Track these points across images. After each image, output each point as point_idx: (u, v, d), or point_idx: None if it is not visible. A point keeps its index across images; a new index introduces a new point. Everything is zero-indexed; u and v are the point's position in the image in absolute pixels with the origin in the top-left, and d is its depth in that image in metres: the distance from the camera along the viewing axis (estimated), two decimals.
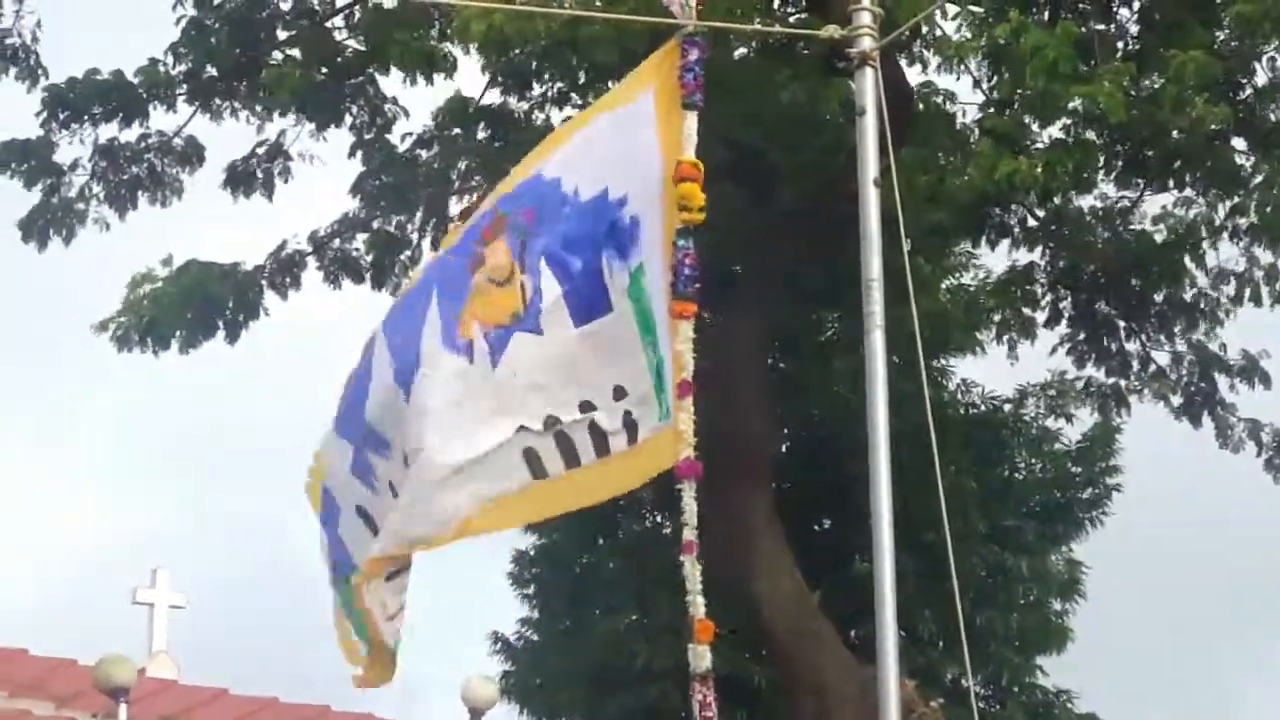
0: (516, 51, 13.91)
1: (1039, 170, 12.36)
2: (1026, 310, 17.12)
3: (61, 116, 16.14)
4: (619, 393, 6.62)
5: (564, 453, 6.64)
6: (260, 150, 16.90)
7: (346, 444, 7.12)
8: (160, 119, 16.46)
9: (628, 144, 6.73)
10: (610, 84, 16.50)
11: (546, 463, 6.64)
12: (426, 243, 17.20)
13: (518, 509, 6.80)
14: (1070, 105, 12.61)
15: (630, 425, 6.60)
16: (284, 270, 16.95)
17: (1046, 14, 12.70)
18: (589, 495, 6.78)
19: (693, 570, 6.37)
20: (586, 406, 6.63)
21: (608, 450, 6.61)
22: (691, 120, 6.60)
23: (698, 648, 6.33)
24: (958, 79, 14.19)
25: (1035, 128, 13.26)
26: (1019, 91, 12.57)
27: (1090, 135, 13.57)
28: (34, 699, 15.52)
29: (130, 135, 16.49)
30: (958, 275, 18.86)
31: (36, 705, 15.37)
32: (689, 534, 6.39)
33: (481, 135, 16.61)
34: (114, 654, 14.34)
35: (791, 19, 13.91)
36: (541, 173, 6.87)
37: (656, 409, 6.55)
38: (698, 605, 6.36)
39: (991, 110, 13.09)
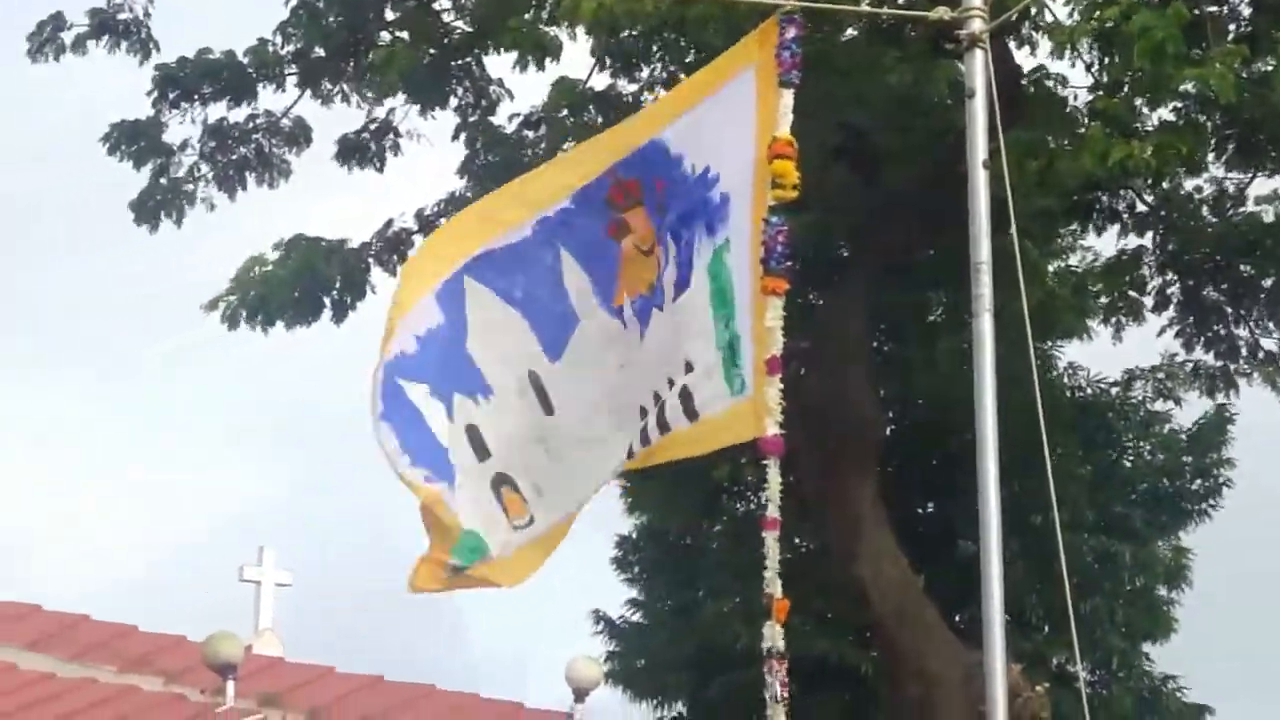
0: (625, 33, 13.87)
1: (1149, 154, 12.21)
2: (1134, 294, 16.97)
3: (171, 96, 16.26)
4: (687, 367, 6.75)
5: (659, 421, 6.87)
6: (371, 126, 17.00)
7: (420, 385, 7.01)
8: (269, 99, 16.60)
9: (726, 121, 6.79)
10: None
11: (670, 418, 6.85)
12: None
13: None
14: (1181, 88, 12.47)
15: (686, 398, 6.69)
16: (390, 248, 17.03)
17: None
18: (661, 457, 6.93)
19: (773, 547, 6.42)
20: (672, 383, 6.79)
21: (668, 426, 6.78)
22: (787, 97, 6.63)
23: (773, 627, 6.35)
24: (1072, 65, 14.05)
25: (1146, 110, 13.11)
26: (1129, 74, 12.43)
27: (1201, 118, 13.42)
28: (142, 675, 15.72)
29: (239, 115, 16.63)
30: (1065, 258, 18.71)
31: (145, 681, 15.56)
32: (771, 511, 6.44)
33: (588, 117, 16.61)
34: (222, 631, 14.50)
35: (900, 0, 13.80)
36: (666, 144, 6.91)
37: (726, 384, 6.58)
38: (774, 583, 6.41)
39: (1101, 93, 12.95)
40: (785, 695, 6.30)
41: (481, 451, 6.93)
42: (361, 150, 16.95)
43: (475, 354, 6.98)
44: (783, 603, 6.36)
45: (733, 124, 6.73)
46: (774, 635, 6.35)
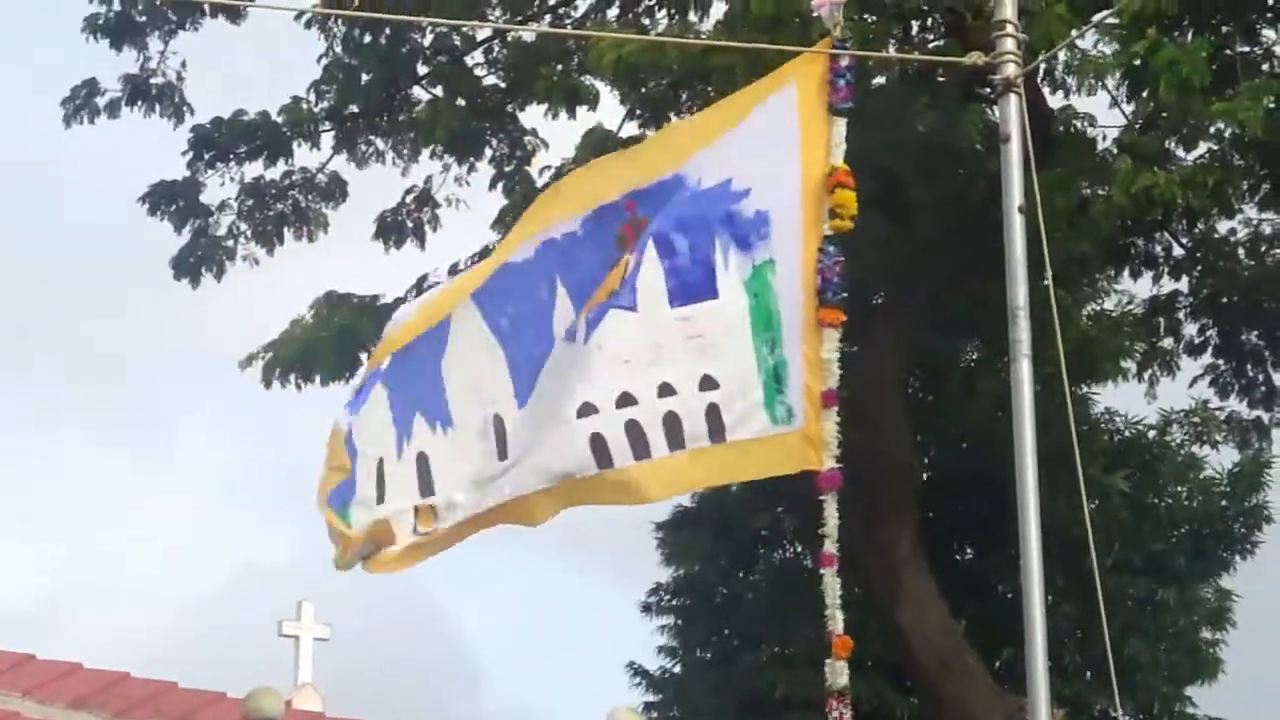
0: (651, 83, 13.94)
1: (1176, 186, 12.17)
2: (1169, 342, 16.92)
3: (207, 156, 16.38)
4: (706, 383, 6.58)
5: (633, 443, 6.56)
6: (409, 199, 17.07)
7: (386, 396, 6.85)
8: (304, 156, 16.71)
9: (759, 140, 6.72)
10: None
11: (614, 452, 6.54)
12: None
13: (581, 493, 6.66)
14: (1212, 127, 12.44)
15: (714, 419, 6.55)
16: None
17: (1189, 35, 12.53)
18: (664, 488, 6.70)
19: (831, 584, 6.37)
20: (665, 390, 6.58)
21: (683, 444, 6.54)
22: (840, 126, 6.63)
23: (835, 664, 6.31)
24: (1109, 104, 14.03)
25: (1181, 151, 13.10)
26: (1161, 114, 12.43)
27: (1234, 158, 13.38)
28: None
29: (275, 173, 16.73)
30: (1099, 302, 18.68)
31: None
32: (829, 546, 6.39)
33: None
34: (262, 686, 14.48)
35: (929, 46, 13.85)
36: (685, 177, 6.79)
37: (767, 409, 6.51)
38: (836, 620, 6.35)
39: (1134, 129, 12.95)
40: None
41: (425, 487, 6.72)
42: (399, 228, 17.02)
43: (447, 379, 6.77)
44: (844, 640, 6.33)
45: (773, 142, 6.66)
46: (836, 673, 6.32)
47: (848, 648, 6.32)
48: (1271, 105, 12.16)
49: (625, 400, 6.55)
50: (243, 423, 38.66)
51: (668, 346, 6.58)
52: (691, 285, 6.63)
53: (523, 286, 6.81)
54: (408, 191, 17.04)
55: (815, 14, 6.80)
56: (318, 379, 16.26)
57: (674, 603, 20.01)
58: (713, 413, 6.53)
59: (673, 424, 6.55)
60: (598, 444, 6.53)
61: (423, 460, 6.72)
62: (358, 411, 6.78)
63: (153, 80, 16.34)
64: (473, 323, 6.81)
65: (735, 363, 6.55)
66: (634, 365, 6.58)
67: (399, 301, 16.87)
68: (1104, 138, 14.76)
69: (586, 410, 6.56)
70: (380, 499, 6.70)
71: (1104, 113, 14.76)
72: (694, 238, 6.66)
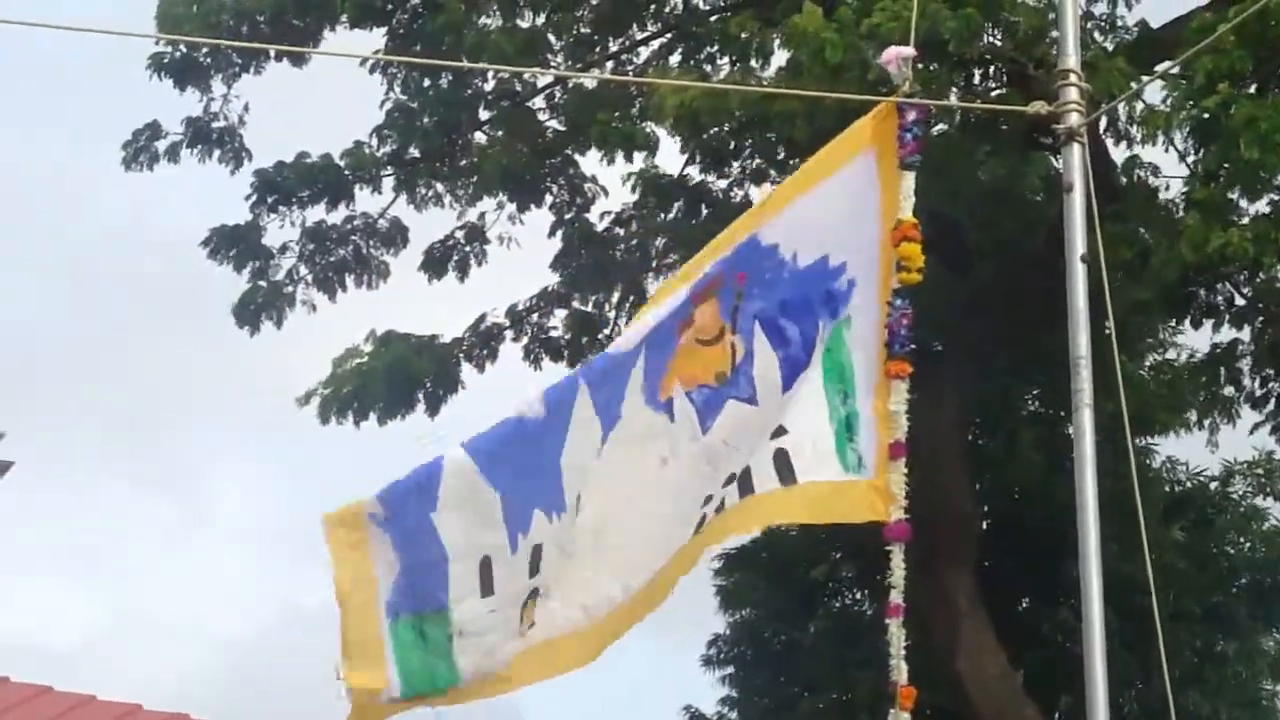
0: (713, 130, 13.97)
1: (1249, 242, 12.13)
2: (1230, 390, 16.81)
3: (270, 200, 16.45)
4: (777, 431, 6.59)
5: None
6: (459, 233, 17.12)
7: (493, 490, 6.38)
8: (365, 200, 16.78)
9: (848, 209, 6.71)
10: (804, 160, 16.60)
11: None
12: (623, 321, 17.34)
13: (679, 565, 6.54)
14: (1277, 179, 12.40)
15: (782, 462, 6.55)
16: (482, 343, 17.14)
17: (1254, 86, 12.50)
18: (735, 529, 6.65)
19: (897, 634, 6.34)
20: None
21: (752, 489, 6.53)
22: (909, 180, 6.63)
23: (899, 714, 6.29)
24: (1166, 151, 14.00)
25: (1243, 202, 13.06)
26: (1224, 166, 12.39)
27: None
28: None
29: (336, 218, 16.80)
30: (1161, 353, 18.59)
31: None
32: (895, 597, 6.37)
33: (679, 213, 16.70)
34: None
35: (992, 94, 13.85)
36: (758, 237, 6.73)
37: (839, 456, 6.51)
38: (901, 670, 6.32)
39: (1198, 184, 12.92)
40: None
41: (534, 569, 6.42)
42: (444, 259, 17.07)
43: (565, 465, 6.45)
44: (908, 690, 6.31)
45: (857, 210, 6.66)
46: None
47: (911, 698, 6.30)
48: None
49: (729, 479, 6.56)
50: (280, 469, 38.99)
51: (773, 419, 6.61)
52: (800, 366, 6.67)
53: (619, 373, 6.59)
54: (460, 227, 17.10)
55: (885, 67, 6.79)
56: (374, 416, 16.32)
57: (733, 652, 19.95)
58: (780, 457, 6.54)
59: (745, 475, 6.56)
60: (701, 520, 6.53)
61: (537, 550, 6.43)
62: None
63: (214, 125, 16.42)
64: (588, 410, 6.52)
65: (806, 413, 6.57)
66: (742, 449, 6.59)
67: (456, 341, 16.95)
68: (1166, 187, 14.74)
69: (707, 501, 6.53)
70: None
71: (1165, 163, 14.77)
72: (801, 323, 6.70)
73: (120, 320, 39.03)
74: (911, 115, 6.69)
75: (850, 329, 6.61)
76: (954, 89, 13.03)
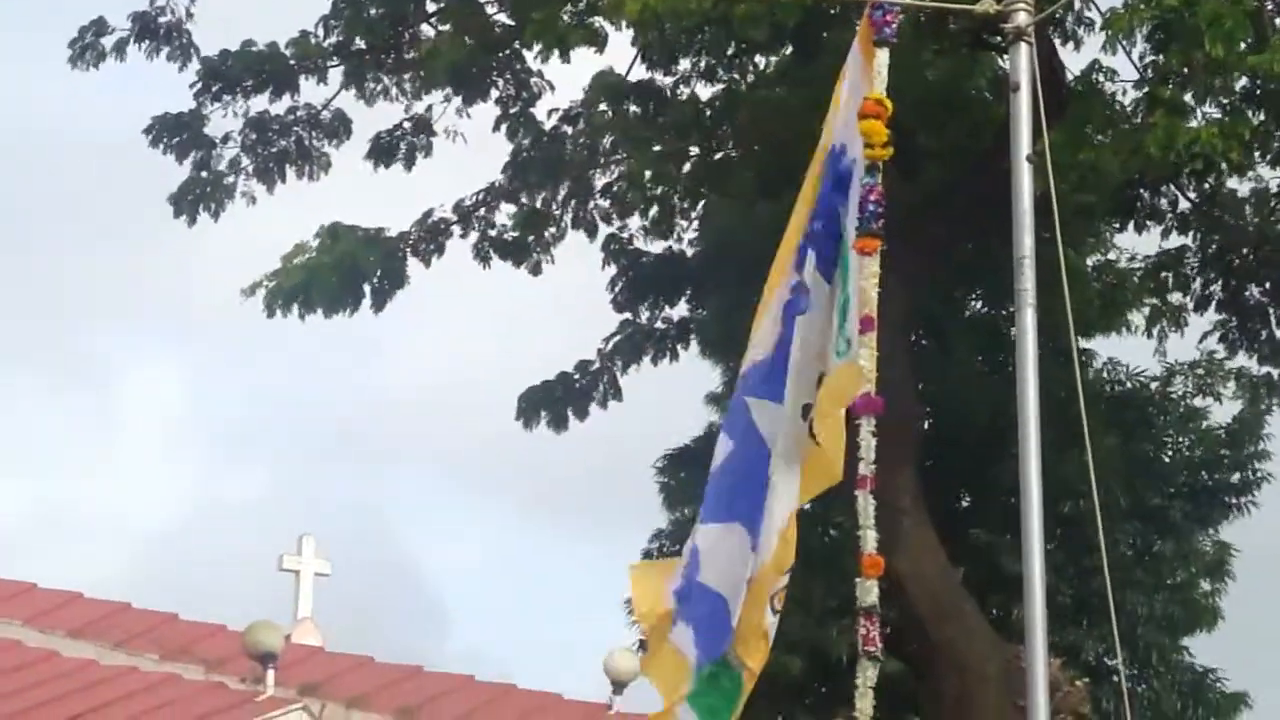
0: (668, 26, 13.90)
1: (1218, 139, 12.13)
2: (1177, 296, 16.92)
3: (214, 89, 16.31)
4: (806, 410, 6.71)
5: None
6: (406, 124, 17.02)
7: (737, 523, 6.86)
8: (311, 91, 16.65)
9: (846, 94, 6.76)
10: (759, 59, 16.55)
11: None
12: (568, 218, 17.31)
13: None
14: (1240, 82, 12.43)
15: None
16: (430, 238, 17.10)
17: None
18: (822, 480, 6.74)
19: (865, 505, 6.38)
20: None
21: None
22: (882, 55, 6.63)
23: (865, 582, 6.32)
24: (1114, 55, 13.97)
25: (1194, 104, 13.07)
26: (1184, 69, 12.38)
27: (1247, 111, 13.36)
28: (184, 663, 15.76)
29: (280, 108, 16.68)
30: (1104, 254, 18.69)
31: (186, 669, 15.60)
32: (864, 469, 6.40)
33: (627, 110, 16.62)
34: (262, 620, 14.56)
35: None
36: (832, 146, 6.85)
37: (833, 346, 6.57)
38: (868, 539, 6.36)
39: (1161, 83, 12.89)
40: (874, 650, 6.26)
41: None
42: (392, 150, 16.98)
43: (773, 475, 6.80)
44: (875, 559, 6.35)
45: (851, 93, 6.73)
46: (866, 591, 6.33)
47: (878, 566, 6.33)
48: None
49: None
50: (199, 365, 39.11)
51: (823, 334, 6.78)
52: (832, 259, 6.78)
53: (778, 363, 6.86)
54: (407, 118, 17.00)
55: None
56: (320, 310, 16.26)
57: (675, 549, 20.04)
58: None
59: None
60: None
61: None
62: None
63: (161, 19, 16.24)
64: (770, 409, 6.86)
65: (829, 307, 6.68)
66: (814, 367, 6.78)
67: (403, 235, 16.88)
68: (1123, 92, 14.73)
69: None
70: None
71: (1119, 67, 14.74)
72: (827, 219, 6.78)
73: (43, 222, 38.76)
74: None
75: (847, 214, 6.64)
76: None
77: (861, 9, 6.78)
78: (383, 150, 16.99)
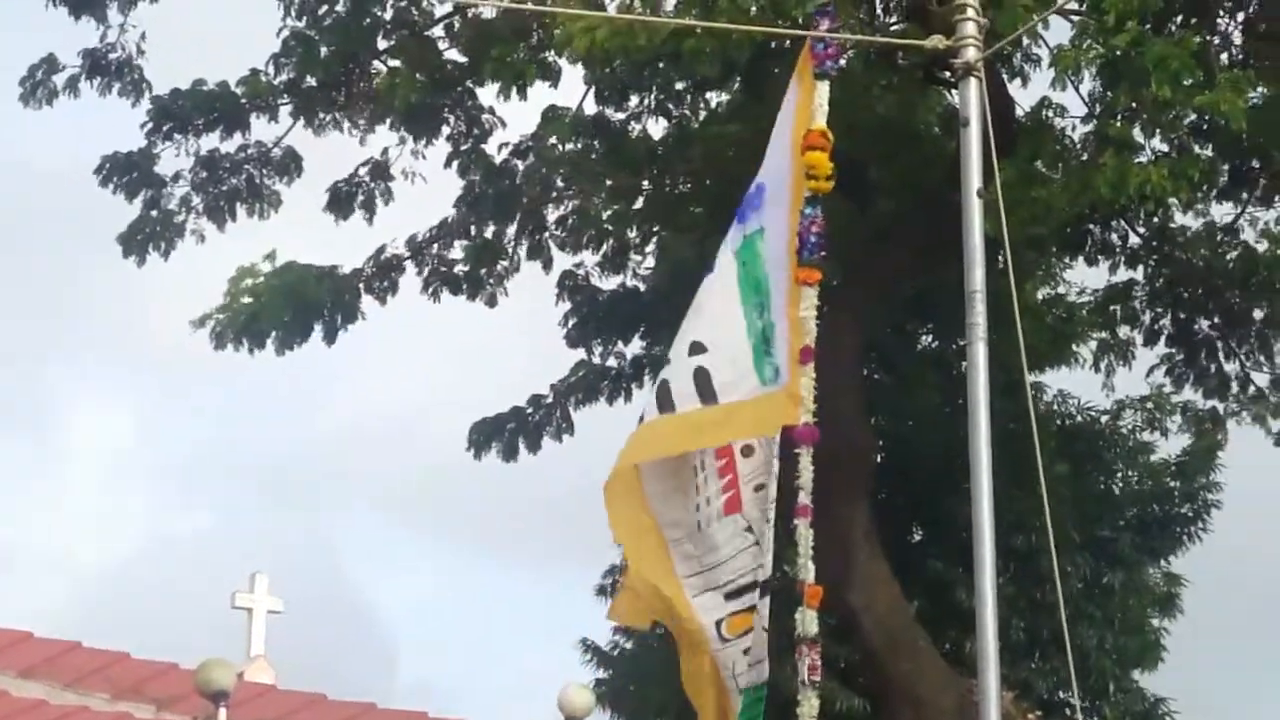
0: (618, 62, 13.93)
1: (1167, 180, 12.23)
2: (1125, 330, 17.00)
3: (165, 128, 16.24)
4: (695, 348, 6.69)
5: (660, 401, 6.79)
6: (363, 170, 16.99)
7: None
8: (262, 129, 16.60)
9: (777, 128, 6.79)
10: (710, 96, 16.61)
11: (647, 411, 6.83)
12: (523, 251, 17.31)
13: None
14: (1188, 119, 12.52)
15: (702, 381, 6.62)
16: (383, 274, 17.07)
17: (1150, 26, 12.60)
18: (650, 450, 6.76)
19: (805, 534, 6.40)
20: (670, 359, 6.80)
21: (673, 406, 6.64)
22: (823, 89, 6.68)
23: (806, 612, 6.33)
24: (1063, 90, 14.06)
25: (1143, 140, 13.16)
26: (1133, 105, 12.46)
27: (1196, 148, 13.46)
28: (135, 702, 15.68)
29: (231, 146, 16.61)
30: (1054, 286, 18.76)
31: (137, 709, 15.52)
32: (804, 498, 6.42)
33: (578, 144, 16.63)
34: (214, 658, 14.47)
35: (890, 29, 13.87)
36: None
37: (757, 371, 6.56)
38: (808, 570, 6.37)
39: (1111, 120, 12.97)
40: (816, 679, 6.27)
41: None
42: (349, 199, 16.92)
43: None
44: (815, 589, 6.36)
45: (781, 125, 6.76)
46: (806, 621, 6.34)
47: (818, 596, 6.35)
48: (1253, 98, 12.24)
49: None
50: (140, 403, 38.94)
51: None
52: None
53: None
54: (363, 163, 16.97)
55: None
56: (270, 344, 16.20)
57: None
58: (701, 375, 6.61)
59: (663, 389, 6.67)
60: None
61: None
62: None
63: (111, 55, 16.19)
64: None
65: (724, 329, 6.65)
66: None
67: (356, 273, 16.85)
68: (1073, 128, 14.82)
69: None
70: None
71: (1068, 103, 14.83)
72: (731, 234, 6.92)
73: None
74: (824, 24, 6.75)
75: (764, 240, 6.67)
76: (853, 22, 13.05)
77: None
78: (341, 200, 16.93)
